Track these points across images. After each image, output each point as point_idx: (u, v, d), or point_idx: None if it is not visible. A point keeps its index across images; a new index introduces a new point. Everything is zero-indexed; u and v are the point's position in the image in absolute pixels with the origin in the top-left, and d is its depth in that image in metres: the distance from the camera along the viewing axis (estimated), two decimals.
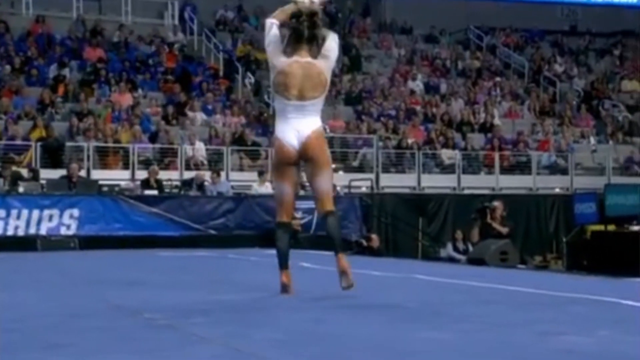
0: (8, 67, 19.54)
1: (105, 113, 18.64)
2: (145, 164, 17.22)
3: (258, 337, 3.86)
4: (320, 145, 5.59)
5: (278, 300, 5.49)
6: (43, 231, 14.43)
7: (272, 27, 5.60)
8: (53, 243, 14.26)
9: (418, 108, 22.56)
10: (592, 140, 22.83)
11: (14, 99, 18.58)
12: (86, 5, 22.68)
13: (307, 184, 5.81)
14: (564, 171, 21.09)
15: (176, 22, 23.62)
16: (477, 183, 20.15)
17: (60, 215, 14.61)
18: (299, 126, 5.47)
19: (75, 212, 14.66)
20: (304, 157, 5.53)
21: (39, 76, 19.83)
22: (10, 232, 14.25)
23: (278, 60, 5.53)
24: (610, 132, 23.53)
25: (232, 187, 16.82)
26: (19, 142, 16.81)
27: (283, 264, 5.67)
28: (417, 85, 23.98)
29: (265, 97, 21.83)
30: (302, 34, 5.49)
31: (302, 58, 5.50)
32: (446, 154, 20.35)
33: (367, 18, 27.69)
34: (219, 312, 4.87)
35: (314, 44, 5.54)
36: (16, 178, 15.06)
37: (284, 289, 5.61)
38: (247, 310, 4.97)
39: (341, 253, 5.53)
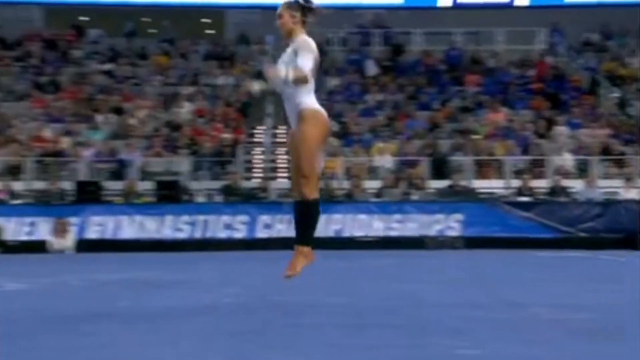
0: (402, 95, 20.60)
1: (483, 131, 18.87)
2: (517, 173, 17.17)
3: None
4: None
5: None
6: (432, 232, 15.03)
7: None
8: (440, 243, 14.79)
9: None
10: None
11: (407, 122, 19.53)
12: (465, 38, 23.12)
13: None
14: None
15: (544, 46, 23.10)
16: None
17: (446, 219, 15.12)
18: None
19: (459, 216, 15.08)
20: None
21: (427, 101, 20.61)
22: (407, 233, 14.95)
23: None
24: None
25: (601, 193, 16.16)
26: (411, 157, 17.65)
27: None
28: None
29: (629, 110, 20.49)
30: None
31: None
32: None
33: None
34: (610, 313, 4.65)
35: None
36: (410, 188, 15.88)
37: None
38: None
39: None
